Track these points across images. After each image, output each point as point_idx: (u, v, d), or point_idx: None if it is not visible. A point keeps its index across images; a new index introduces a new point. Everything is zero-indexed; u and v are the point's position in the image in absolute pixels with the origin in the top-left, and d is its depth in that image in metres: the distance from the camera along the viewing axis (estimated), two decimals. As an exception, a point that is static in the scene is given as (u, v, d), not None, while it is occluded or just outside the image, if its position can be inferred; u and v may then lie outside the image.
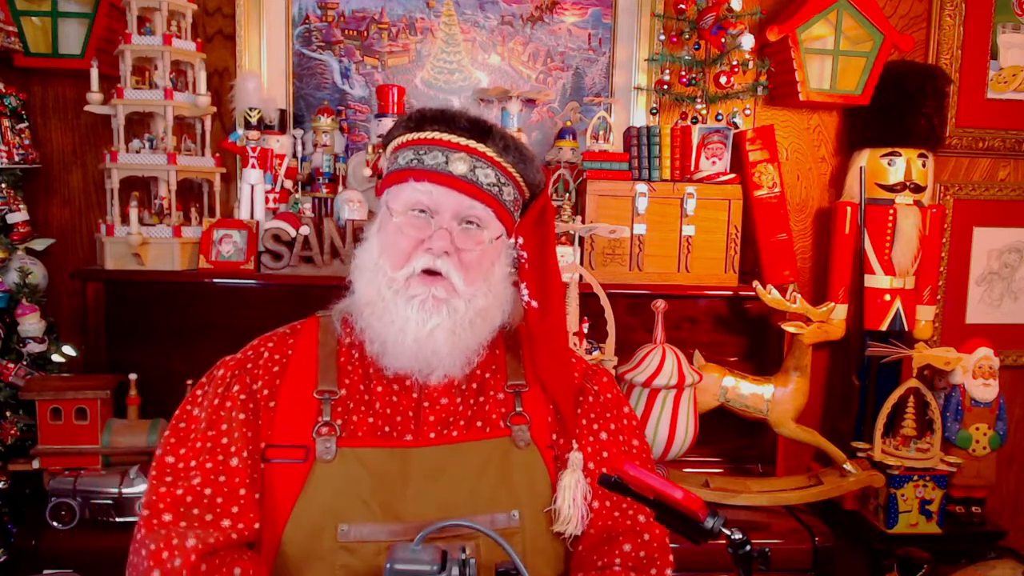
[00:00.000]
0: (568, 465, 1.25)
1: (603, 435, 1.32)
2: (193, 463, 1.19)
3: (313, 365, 1.28)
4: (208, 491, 1.17)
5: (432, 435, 1.24)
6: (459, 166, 1.23)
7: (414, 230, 1.23)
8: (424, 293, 1.21)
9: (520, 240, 1.31)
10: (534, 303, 1.31)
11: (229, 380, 1.26)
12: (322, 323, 1.34)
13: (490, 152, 1.25)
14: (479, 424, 1.27)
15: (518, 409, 1.29)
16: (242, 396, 1.24)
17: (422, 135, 1.25)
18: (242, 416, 1.23)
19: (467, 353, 1.26)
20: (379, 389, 1.27)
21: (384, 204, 1.30)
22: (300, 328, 1.35)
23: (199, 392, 1.28)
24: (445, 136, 1.24)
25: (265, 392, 1.25)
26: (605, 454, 1.31)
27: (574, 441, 1.29)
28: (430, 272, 1.22)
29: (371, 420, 1.25)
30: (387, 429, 1.24)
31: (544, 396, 1.32)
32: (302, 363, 1.28)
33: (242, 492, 1.19)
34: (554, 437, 1.30)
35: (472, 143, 1.24)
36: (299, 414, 1.24)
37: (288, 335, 1.33)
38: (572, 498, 1.22)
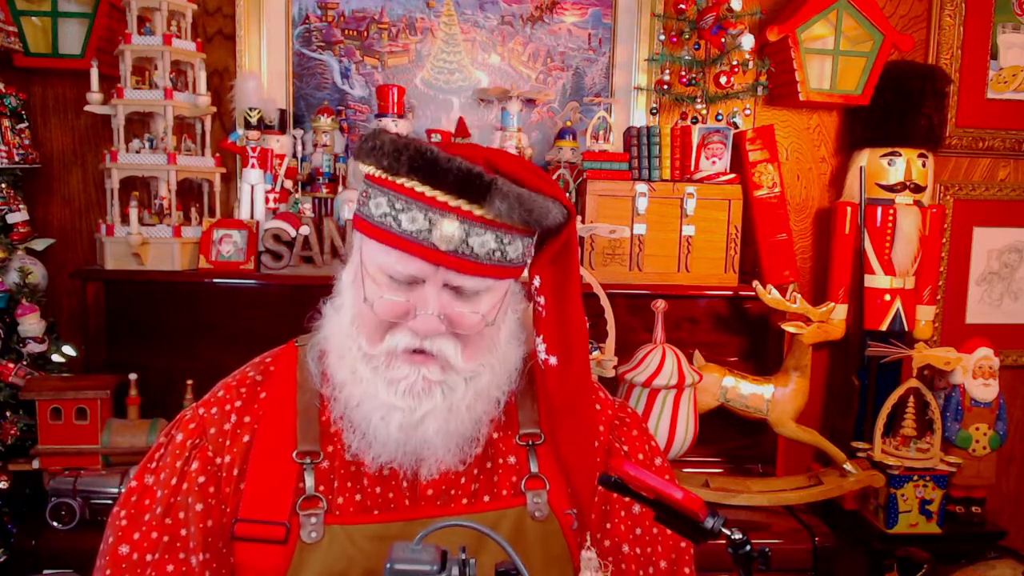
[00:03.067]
0: (581, 566, 1.00)
1: (635, 508, 1.14)
2: (150, 557, 1.02)
3: (291, 417, 1.07)
4: None
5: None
6: (447, 236, 0.94)
7: (390, 311, 0.99)
8: (412, 375, 1.00)
9: (536, 282, 1.06)
10: (552, 360, 1.07)
11: (188, 453, 1.06)
12: (300, 359, 1.12)
13: (490, 216, 0.95)
14: (486, 500, 1.08)
15: (533, 470, 1.09)
16: (201, 478, 1.05)
17: (398, 181, 0.96)
18: (199, 507, 1.04)
19: (462, 441, 1.05)
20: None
21: (358, 249, 1.04)
22: (274, 369, 1.13)
23: (156, 456, 1.09)
24: (428, 191, 0.94)
25: (235, 472, 1.05)
26: (638, 531, 1.14)
27: (588, 536, 1.02)
28: (416, 353, 1.00)
29: (358, 498, 1.05)
30: (376, 513, 1.05)
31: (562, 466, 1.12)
32: (277, 418, 1.08)
33: None
34: (574, 514, 1.10)
35: (464, 205, 0.94)
36: (275, 482, 1.03)
37: (258, 383, 1.11)
38: None
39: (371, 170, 1.00)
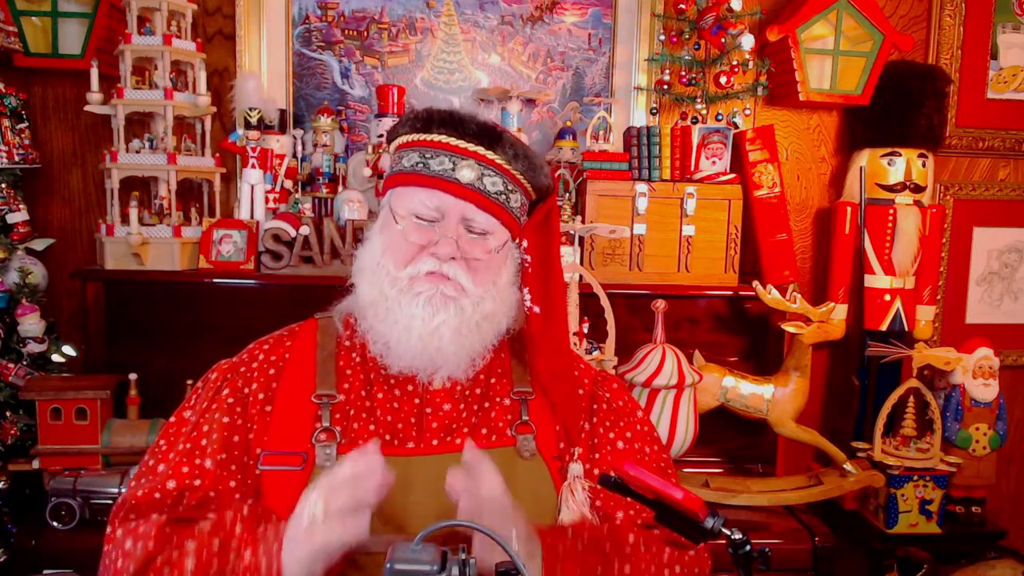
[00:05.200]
0: (568, 475, 1.23)
1: (620, 444, 1.29)
2: (172, 459, 1.17)
3: (311, 368, 1.24)
4: (186, 495, 1.15)
5: (435, 442, 1.21)
6: (466, 173, 1.19)
7: (419, 236, 1.20)
8: (431, 290, 1.18)
9: (525, 243, 1.28)
10: (536, 308, 1.27)
11: (220, 384, 1.23)
12: (321, 325, 1.31)
13: (499, 160, 1.21)
14: (484, 432, 1.24)
15: (524, 418, 1.26)
16: (229, 400, 1.21)
17: (429, 137, 1.22)
18: (225, 419, 1.19)
19: (471, 355, 1.22)
20: (380, 396, 1.23)
21: (387, 205, 1.26)
22: (298, 331, 1.32)
23: (193, 397, 1.26)
24: (453, 140, 1.20)
25: (260, 396, 1.22)
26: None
27: (575, 450, 1.25)
28: (436, 274, 1.19)
29: (372, 427, 1.21)
30: (388, 437, 1.21)
31: (551, 404, 1.29)
32: (299, 366, 1.25)
33: (211, 495, 1.16)
34: (561, 446, 1.26)
35: (480, 149, 1.20)
36: (296, 419, 1.20)
37: (285, 337, 1.30)
38: (568, 507, 1.20)
39: (405, 138, 1.24)
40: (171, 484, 1.15)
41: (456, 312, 1.18)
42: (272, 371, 1.24)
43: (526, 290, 1.28)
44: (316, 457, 1.16)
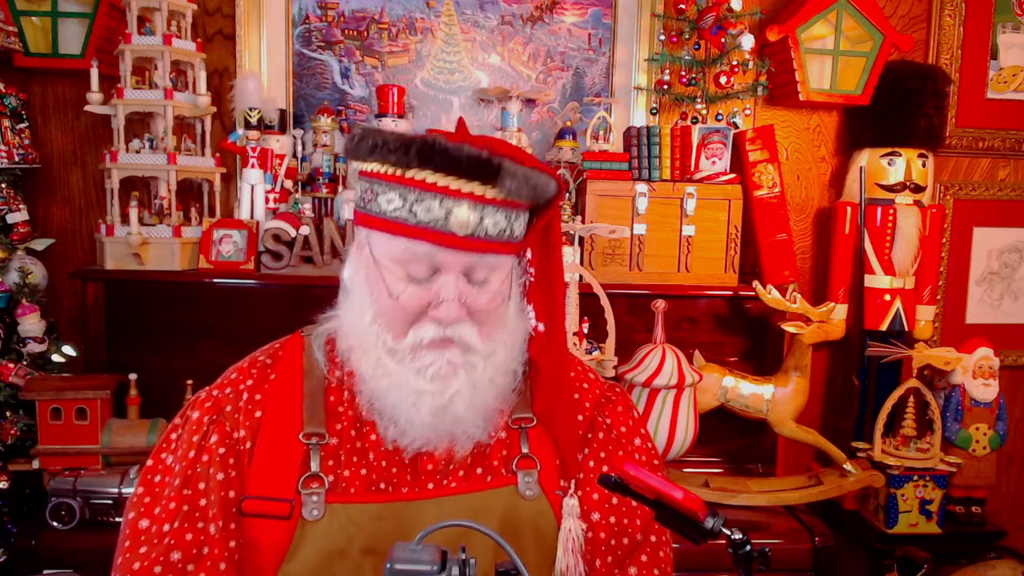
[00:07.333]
0: (563, 512, 1.11)
1: None
2: (167, 528, 1.04)
3: (297, 401, 1.11)
4: (191, 567, 1.03)
5: (431, 486, 1.10)
6: (463, 221, 0.99)
7: (413, 300, 1.04)
8: (438, 360, 1.05)
9: (528, 255, 1.14)
10: (540, 326, 1.15)
11: (207, 428, 1.10)
12: (307, 346, 1.16)
13: (500, 197, 1.01)
14: (479, 471, 1.12)
15: (524, 451, 1.13)
16: (221, 450, 1.08)
17: (409, 174, 0.99)
18: (220, 476, 1.07)
19: (490, 413, 1.10)
20: (373, 437, 1.11)
21: (367, 246, 1.08)
22: (282, 354, 1.17)
23: (173, 436, 1.13)
24: (441, 181, 0.98)
25: (248, 445, 1.09)
26: (614, 500, 1.16)
27: (572, 483, 1.13)
28: (440, 340, 1.05)
29: (364, 472, 1.09)
30: (382, 485, 1.09)
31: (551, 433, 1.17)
32: (285, 399, 1.12)
33: (223, 567, 1.05)
34: (563, 483, 1.14)
35: (477, 189, 0.99)
36: (282, 461, 1.08)
37: (268, 366, 1.15)
38: (567, 550, 1.09)
39: (375, 167, 1.03)
40: (176, 556, 1.03)
41: (467, 373, 1.06)
42: (258, 414, 1.11)
43: (530, 307, 1.16)
44: (303, 507, 1.05)
